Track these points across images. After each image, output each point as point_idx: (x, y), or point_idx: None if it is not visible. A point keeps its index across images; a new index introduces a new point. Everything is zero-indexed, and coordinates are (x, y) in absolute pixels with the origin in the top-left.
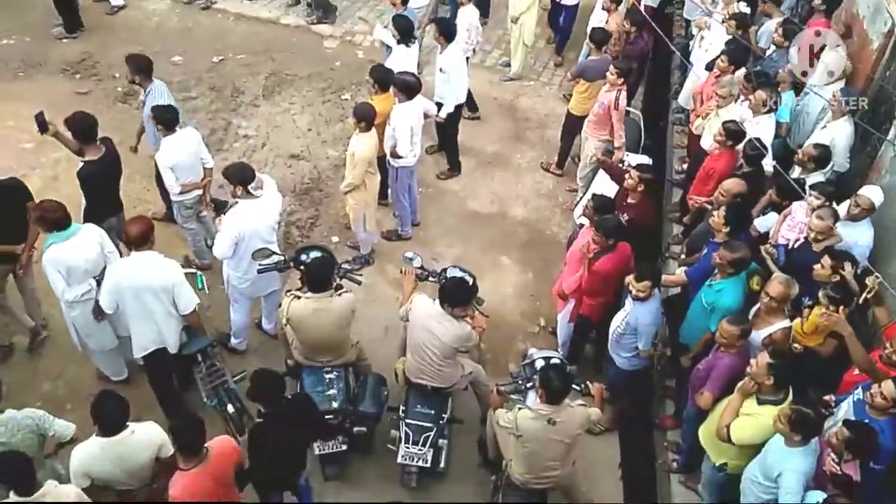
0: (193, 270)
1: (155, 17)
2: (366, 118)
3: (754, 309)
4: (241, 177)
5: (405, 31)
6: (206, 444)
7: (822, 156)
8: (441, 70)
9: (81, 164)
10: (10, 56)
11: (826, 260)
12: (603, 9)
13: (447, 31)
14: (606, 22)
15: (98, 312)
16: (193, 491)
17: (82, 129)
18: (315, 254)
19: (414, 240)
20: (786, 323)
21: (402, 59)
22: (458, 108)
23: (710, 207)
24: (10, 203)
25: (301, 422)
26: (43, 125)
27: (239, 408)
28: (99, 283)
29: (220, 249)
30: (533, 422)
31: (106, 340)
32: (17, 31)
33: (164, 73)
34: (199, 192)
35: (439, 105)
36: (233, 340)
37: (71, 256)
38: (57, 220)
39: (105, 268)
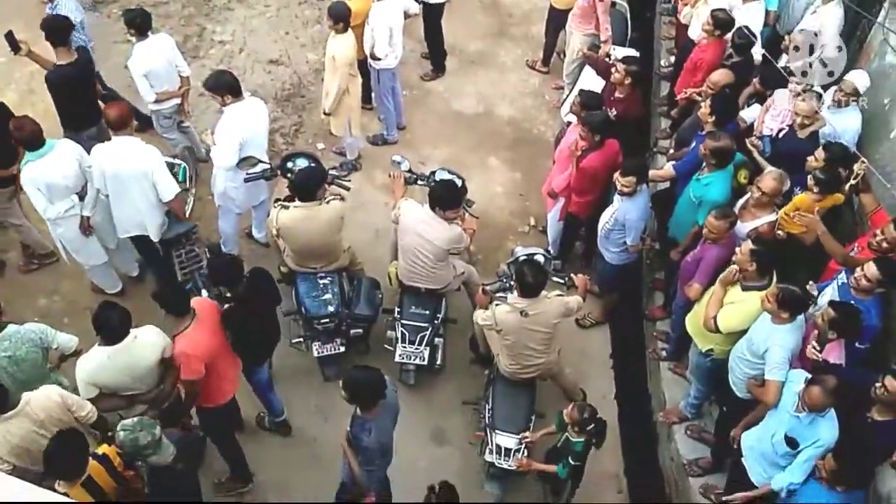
0: (178, 162)
1: None
2: (342, 18)
3: (741, 201)
4: (227, 84)
5: None
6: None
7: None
8: None
9: (52, 67)
10: None
11: (819, 153)
12: None
13: None
14: None
15: (84, 228)
16: (197, 341)
17: (54, 29)
18: (302, 161)
19: (400, 143)
20: (772, 216)
21: None
22: (437, 6)
23: (698, 99)
24: None
25: (264, 297)
26: (14, 44)
27: (216, 294)
28: (81, 199)
29: (223, 158)
30: (509, 315)
31: (94, 255)
32: None
33: None
34: (178, 101)
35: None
36: (223, 250)
37: (48, 174)
38: (28, 137)
39: (86, 184)
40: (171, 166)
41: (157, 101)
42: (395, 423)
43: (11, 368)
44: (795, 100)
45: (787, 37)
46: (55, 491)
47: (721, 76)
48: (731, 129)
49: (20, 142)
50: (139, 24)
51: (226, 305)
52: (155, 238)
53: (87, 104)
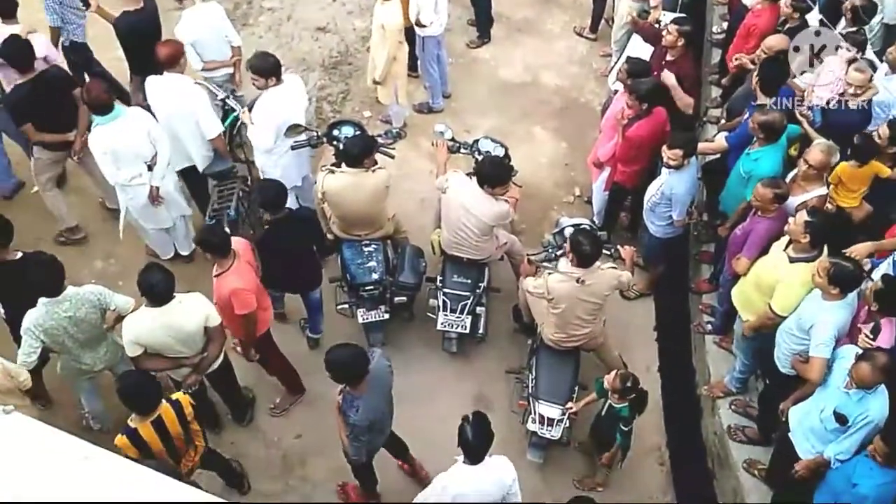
0: (236, 106)
1: None
2: None
3: (791, 174)
4: (271, 67)
5: None
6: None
7: (869, 5)
8: None
9: (119, 14)
10: None
11: (884, 130)
12: None
13: None
14: None
15: (154, 198)
16: (245, 276)
17: None
18: (347, 129)
19: (445, 112)
20: (823, 190)
21: None
22: None
23: (751, 67)
24: (55, 92)
25: (303, 227)
26: (85, 0)
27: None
28: (150, 169)
29: (262, 141)
30: (563, 284)
31: (162, 220)
32: None
33: None
34: (229, 70)
35: None
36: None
37: (113, 139)
38: (97, 101)
39: (156, 154)
40: (229, 109)
41: (205, 70)
42: (388, 400)
43: (72, 329)
44: (848, 69)
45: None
46: (127, 425)
47: (776, 41)
48: (785, 96)
49: (88, 105)
50: None
51: (264, 228)
52: (200, 168)
53: (153, 51)
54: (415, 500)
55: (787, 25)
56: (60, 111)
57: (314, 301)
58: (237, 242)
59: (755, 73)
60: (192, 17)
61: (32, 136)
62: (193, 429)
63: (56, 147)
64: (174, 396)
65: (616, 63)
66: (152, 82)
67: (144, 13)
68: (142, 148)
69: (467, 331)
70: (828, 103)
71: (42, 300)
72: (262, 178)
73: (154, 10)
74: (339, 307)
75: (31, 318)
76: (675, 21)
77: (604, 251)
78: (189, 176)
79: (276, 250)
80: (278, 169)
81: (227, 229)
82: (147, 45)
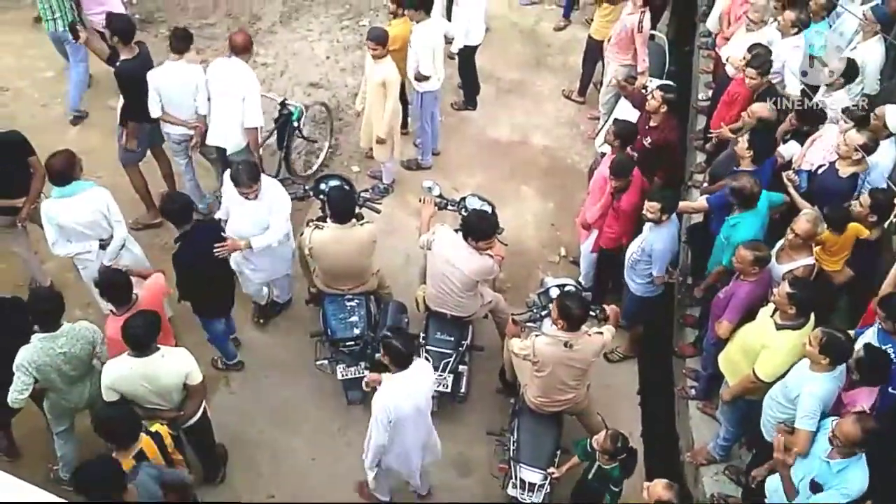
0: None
1: None
2: (382, 41)
3: (779, 243)
4: (255, 176)
5: None
6: (135, 292)
7: (850, 68)
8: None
9: (118, 63)
10: None
11: (865, 199)
12: None
13: None
14: None
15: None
16: (112, 327)
17: (123, 29)
18: (334, 183)
19: (434, 169)
20: (810, 260)
21: None
22: (471, 47)
23: (731, 136)
24: (11, 157)
25: (212, 237)
26: (75, 32)
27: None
28: (102, 248)
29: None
30: (550, 347)
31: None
32: None
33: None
34: (188, 131)
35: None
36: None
37: (63, 214)
38: (57, 172)
39: (112, 236)
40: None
41: (162, 120)
42: None
43: (65, 366)
44: (846, 133)
45: (826, 68)
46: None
47: (760, 108)
48: (770, 165)
49: (50, 173)
50: (175, 44)
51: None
52: (230, 151)
53: (146, 97)
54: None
55: (769, 97)
56: (12, 176)
57: (218, 332)
58: (148, 287)
59: (738, 139)
60: (169, 66)
61: None
62: (176, 459)
63: (3, 212)
64: (153, 428)
65: (603, 126)
66: (218, 62)
67: (141, 58)
68: (92, 227)
69: (448, 389)
70: (817, 169)
71: (37, 336)
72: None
73: (147, 54)
74: (319, 363)
75: (24, 355)
76: (659, 87)
77: (590, 313)
78: (222, 154)
79: (190, 265)
80: (261, 272)
81: None
82: (144, 89)
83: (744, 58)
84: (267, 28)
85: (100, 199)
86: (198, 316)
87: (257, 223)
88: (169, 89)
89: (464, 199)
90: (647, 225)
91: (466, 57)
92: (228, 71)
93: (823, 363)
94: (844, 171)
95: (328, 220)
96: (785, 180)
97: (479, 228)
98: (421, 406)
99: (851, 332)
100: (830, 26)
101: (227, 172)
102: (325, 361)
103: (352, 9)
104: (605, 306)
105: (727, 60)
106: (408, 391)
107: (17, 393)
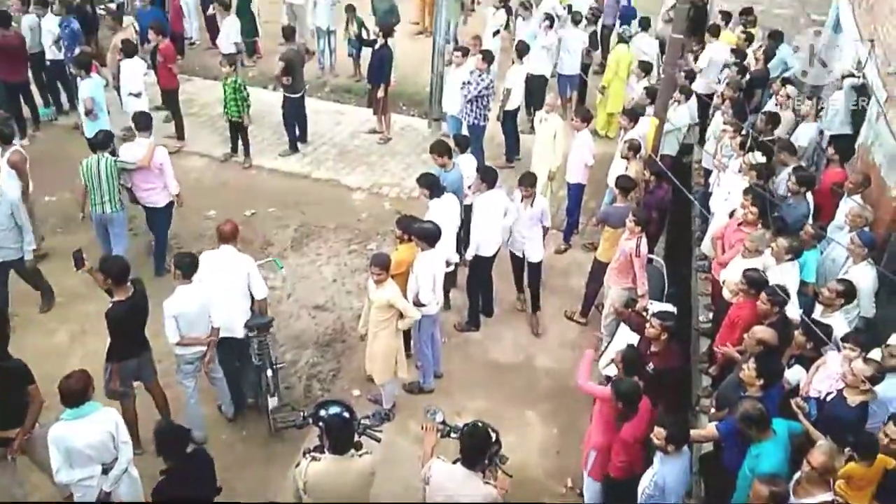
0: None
1: (193, 174)
2: (385, 267)
3: (795, 476)
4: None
5: (434, 186)
6: None
7: (848, 290)
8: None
9: (110, 304)
10: (50, 213)
11: (891, 428)
12: (622, 157)
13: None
14: (626, 170)
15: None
16: None
17: (116, 272)
18: (334, 409)
19: (436, 392)
20: (828, 496)
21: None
22: (485, 258)
23: (737, 357)
24: (9, 386)
25: (202, 480)
26: (79, 261)
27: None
28: (105, 473)
29: None
30: None
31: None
32: (58, 189)
33: (198, 228)
34: (203, 347)
35: None
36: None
37: (72, 437)
38: (67, 393)
39: (116, 459)
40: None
41: (180, 345)
42: None
43: None
44: (854, 362)
45: (824, 289)
46: None
47: (763, 332)
48: (777, 391)
49: (61, 395)
50: (185, 269)
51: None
52: (240, 335)
53: (135, 337)
54: None
55: (768, 321)
56: (8, 406)
57: None
58: None
59: (744, 368)
60: (184, 292)
61: None
62: None
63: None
64: None
65: (606, 348)
66: (208, 255)
67: (134, 299)
68: (100, 450)
69: None
70: (825, 397)
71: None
72: None
73: (142, 291)
74: None
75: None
76: (657, 315)
77: None
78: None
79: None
80: None
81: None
82: (135, 329)
83: (740, 282)
84: (278, 253)
85: (109, 420)
86: None
87: None
88: (188, 313)
89: (467, 426)
90: (658, 456)
91: (475, 270)
92: (222, 259)
93: None
94: (853, 399)
95: (325, 450)
96: (794, 407)
97: (473, 449)
98: None
99: None
100: (822, 252)
101: None
102: None
103: (360, 234)
104: None
105: (723, 283)
106: None
107: None
